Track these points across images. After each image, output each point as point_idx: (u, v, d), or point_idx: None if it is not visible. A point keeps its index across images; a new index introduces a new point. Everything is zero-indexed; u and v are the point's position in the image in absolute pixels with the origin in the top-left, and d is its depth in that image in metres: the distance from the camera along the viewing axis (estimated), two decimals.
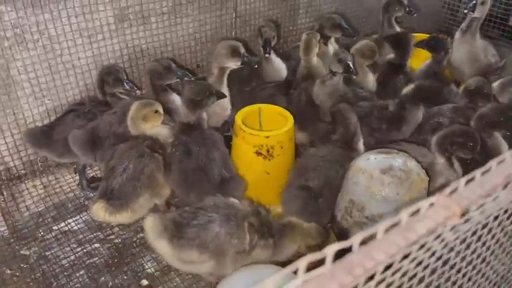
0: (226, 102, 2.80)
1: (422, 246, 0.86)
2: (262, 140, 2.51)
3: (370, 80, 3.07)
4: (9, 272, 2.40)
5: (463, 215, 0.71)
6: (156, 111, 2.42)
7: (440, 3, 4.29)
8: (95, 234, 2.65)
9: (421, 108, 2.65)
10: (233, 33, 3.48)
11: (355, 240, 0.57)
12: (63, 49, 2.73)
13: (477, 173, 0.74)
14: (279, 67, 3.17)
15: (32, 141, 2.67)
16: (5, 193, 2.81)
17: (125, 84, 2.72)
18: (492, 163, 0.75)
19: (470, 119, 2.54)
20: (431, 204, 0.67)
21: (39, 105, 2.78)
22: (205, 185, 2.35)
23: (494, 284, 1.47)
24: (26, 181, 2.90)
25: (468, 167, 2.28)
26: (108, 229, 2.67)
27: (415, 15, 3.46)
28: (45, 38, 2.64)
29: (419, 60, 3.24)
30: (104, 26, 2.84)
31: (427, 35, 3.32)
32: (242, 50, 2.73)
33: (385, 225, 0.61)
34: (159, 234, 1.97)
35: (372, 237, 0.61)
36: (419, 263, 0.94)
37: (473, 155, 2.18)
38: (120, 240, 2.63)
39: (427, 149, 2.47)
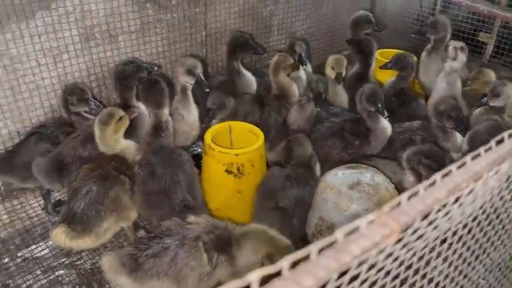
0: (193, 121, 2.75)
1: (372, 266, 0.81)
2: (232, 158, 2.45)
3: (343, 96, 3.07)
4: None
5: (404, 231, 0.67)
6: (120, 118, 2.36)
7: (410, 19, 4.37)
8: (60, 260, 2.54)
9: (381, 119, 2.65)
10: (204, 51, 3.46)
11: (283, 263, 0.52)
12: (26, 69, 2.66)
13: (421, 187, 0.70)
14: (249, 80, 3.20)
15: None
16: None
17: (90, 103, 2.66)
18: (437, 176, 0.72)
19: (437, 137, 2.56)
20: (370, 222, 0.62)
21: (1, 127, 2.69)
22: (166, 209, 2.28)
23: None
24: None
25: None
26: (74, 254, 2.56)
27: (382, 32, 3.51)
28: (7, 58, 2.57)
29: (388, 74, 3.26)
30: (69, 46, 2.79)
31: (397, 51, 3.36)
32: (197, 70, 2.69)
33: (319, 246, 0.56)
34: (118, 272, 1.94)
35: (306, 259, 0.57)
36: (374, 284, 0.89)
37: None
38: (87, 266, 2.52)
39: (398, 165, 2.46)
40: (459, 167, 0.74)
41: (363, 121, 2.67)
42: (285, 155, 2.51)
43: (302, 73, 3.35)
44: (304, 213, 2.20)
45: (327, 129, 2.72)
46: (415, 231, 0.80)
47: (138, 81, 2.62)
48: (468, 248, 1.21)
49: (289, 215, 2.22)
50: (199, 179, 2.51)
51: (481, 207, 1.10)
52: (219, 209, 2.53)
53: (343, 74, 3.14)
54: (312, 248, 0.56)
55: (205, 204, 2.45)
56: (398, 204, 0.66)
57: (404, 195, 0.67)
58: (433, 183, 0.72)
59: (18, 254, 2.57)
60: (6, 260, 2.54)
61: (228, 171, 2.48)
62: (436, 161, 2.21)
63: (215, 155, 2.47)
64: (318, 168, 2.39)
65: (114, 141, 2.34)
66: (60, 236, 2.14)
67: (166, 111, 2.48)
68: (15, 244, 2.63)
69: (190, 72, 2.68)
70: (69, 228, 2.16)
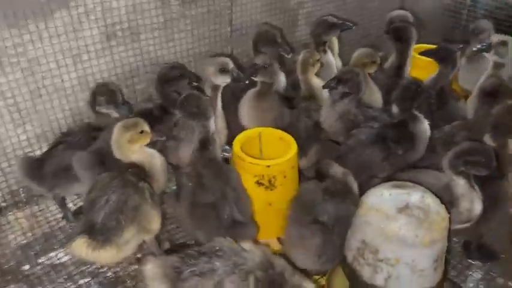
0: (219, 123, 2.60)
1: None
2: (263, 169, 2.30)
3: (376, 94, 2.87)
4: None
5: None
6: (142, 132, 2.22)
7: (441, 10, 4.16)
8: (83, 268, 2.44)
9: (421, 120, 2.48)
10: (229, 47, 3.30)
11: None
12: (44, 71, 2.54)
13: None
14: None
15: (25, 171, 2.48)
16: None
17: (119, 105, 2.58)
18: None
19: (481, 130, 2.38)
20: None
21: (19, 133, 2.59)
22: (214, 223, 2.18)
23: None
24: (8, 213, 2.70)
25: (484, 185, 2.18)
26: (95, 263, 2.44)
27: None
28: (24, 60, 2.44)
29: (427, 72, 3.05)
30: (89, 46, 2.65)
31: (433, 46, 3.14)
32: (230, 66, 2.56)
33: None
34: (159, 282, 1.81)
35: None
36: None
37: (489, 172, 2.07)
38: (112, 273, 2.43)
39: (437, 170, 2.28)
40: None
41: (404, 125, 2.47)
42: (317, 175, 2.35)
43: (330, 57, 3.15)
44: (342, 231, 2.04)
45: (366, 136, 2.50)
46: None
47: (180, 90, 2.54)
48: None
49: (330, 231, 2.06)
50: (248, 194, 2.37)
51: None
52: None
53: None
54: None
55: (253, 221, 2.33)
56: None
57: None
58: None
59: (39, 261, 2.48)
60: (28, 267, 2.45)
61: (259, 183, 2.33)
62: (480, 154, 2.07)
63: (245, 166, 2.32)
64: (355, 187, 2.23)
65: (127, 150, 2.21)
66: (81, 247, 2.00)
67: (212, 122, 2.34)
68: (37, 251, 2.54)
69: (223, 70, 2.55)
70: (90, 239, 2.04)
